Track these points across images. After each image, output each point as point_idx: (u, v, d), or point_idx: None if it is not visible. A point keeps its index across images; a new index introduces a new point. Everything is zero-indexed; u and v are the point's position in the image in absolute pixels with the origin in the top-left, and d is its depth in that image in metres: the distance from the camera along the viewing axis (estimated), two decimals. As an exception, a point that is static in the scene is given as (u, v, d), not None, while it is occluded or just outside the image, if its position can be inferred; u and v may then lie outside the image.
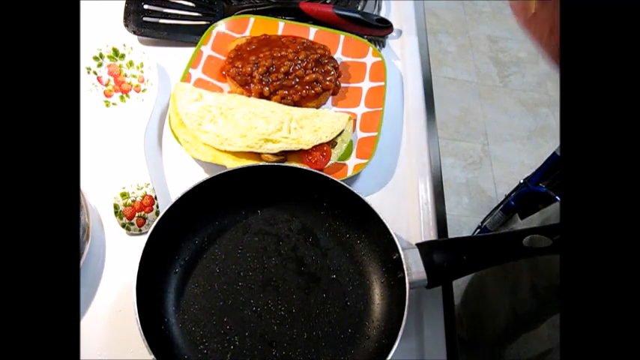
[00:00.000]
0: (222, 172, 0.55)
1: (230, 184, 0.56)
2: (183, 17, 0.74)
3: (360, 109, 0.68)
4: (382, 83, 0.69)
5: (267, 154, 0.61)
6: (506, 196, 1.43)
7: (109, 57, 0.66)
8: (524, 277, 0.96)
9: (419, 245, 0.52)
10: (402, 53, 0.76)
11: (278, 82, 0.66)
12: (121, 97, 0.65)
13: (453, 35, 2.01)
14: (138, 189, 0.58)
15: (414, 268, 0.51)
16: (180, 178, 0.62)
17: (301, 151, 0.62)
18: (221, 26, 0.72)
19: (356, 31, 0.74)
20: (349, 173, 0.61)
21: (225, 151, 0.61)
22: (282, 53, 0.67)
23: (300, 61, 0.66)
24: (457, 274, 0.54)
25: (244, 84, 0.66)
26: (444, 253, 0.53)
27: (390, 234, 0.52)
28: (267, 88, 0.66)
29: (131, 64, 0.66)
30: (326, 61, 0.68)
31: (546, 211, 0.92)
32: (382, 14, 0.79)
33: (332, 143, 0.63)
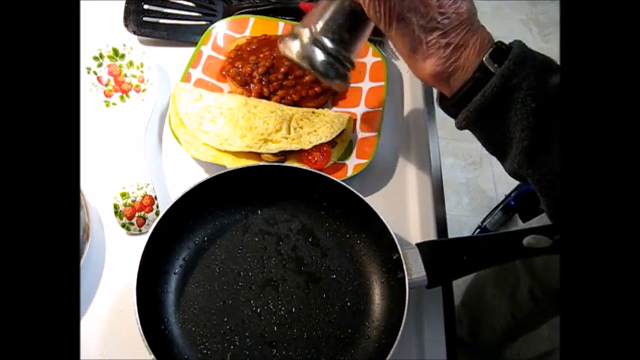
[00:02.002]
0: (222, 172, 0.55)
1: (230, 184, 0.56)
2: (183, 17, 0.74)
3: (360, 109, 0.68)
4: (382, 83, 0.68)
5: (267, 154, 0.61)
6: (506, 196, 1.43)
7: (109, 57, 0.66)
8: (521, 281, 0.96)
9: (419, 245, 0.52)
10: (402, 53, 0.76)
11: (278, 82, 0.66)
12: (121, 97, 0.65)
13: (452, 35, 2.01)
14: (138, 189, 0.58)
15: (414, 268, 0.51)
16: (180, 178, 0.62)
17: (301, 151, 0.62)
18: (221, 26, 0.72)
19: (356, 31, 0.74)
20: (349, 173, 0.61)
21: (225, 151, 0.61)
22: (282, 53, 0.67)
23: (300, 61, 0.66)
24: (457, 275, 0.54)
25: (244, 84, 0.66)
26: (444, 253, 0.53)
27: (390, 234, 0.52)
28: (266, 89, 0.66)
29: (131, 64, 0.66)
30: (326, 61, 0.68)
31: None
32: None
33: (332, 143, 0.63)
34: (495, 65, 0.43)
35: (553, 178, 0.43)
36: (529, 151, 0.43)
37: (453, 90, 0.46)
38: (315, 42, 0.49)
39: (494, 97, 0.43)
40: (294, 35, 0.50)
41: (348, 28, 0.49)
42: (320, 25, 0.49)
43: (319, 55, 0.49)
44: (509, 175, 0.48)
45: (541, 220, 0.92)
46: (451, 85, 0.46)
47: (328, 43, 0.49)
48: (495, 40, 0.46)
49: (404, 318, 0.48)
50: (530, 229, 0.52)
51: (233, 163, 0.60)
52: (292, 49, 0.49)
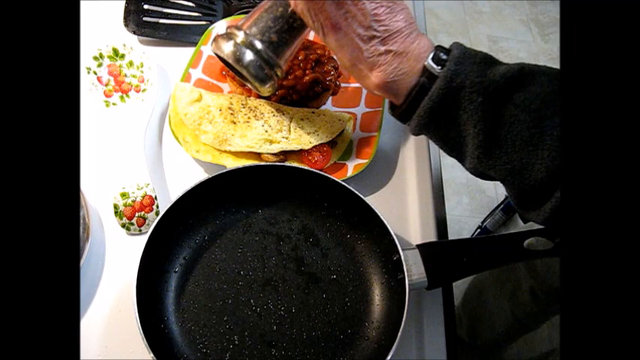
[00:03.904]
0: (222, 171, 0.55)
1: (230, 184, 0.56)
2: (183, 17, 0.74)
3: (360, 109, 0.68)
4: (382, 83, 0.68)
5: (267, 154, 0.61)
6: (507, 196, 1.43)
7: (109, 57, 0.66)
8: (522, 281, 0.96)
9: (419, 246, 0.52)
10: (402, 53, 0.76)
11: (278, 82, 0.66)
12: (121, 97, 0.65)
13: (453, 35, 2.01)
14: (138, 189, 0.58)
15: (414, 269, 0.51)
16: (180, 178, 0.62)
17: (301, 151, 0.62)
18: (221, 26, 0.72)
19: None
20: (349, 173, 0.61)
21: (225, 151, 0.61)
22: (282, 53, 0.67)
23: (299, 61, 0.66)
24: (457, 276, 0.54)
25: (244, 84, 0.66)
26: (444, 255, 0.53)
27: (391, 235, 0.52)
28: (267, 88, 0.66)
29: (131, 64, 0.66)
30: (325, 61, 0.68)
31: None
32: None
33: (332, 143, 0.63)
34: (439, 68, 0.44)
35: (513, 166, 0.44)
36: (485, 144, 0.44)
37: (401, 97, 0.47)
38: (248, 44, 0.50)
39: (441, 99, 0.44)
40: (228, 36, 0.51)
41: (281, 32, 0.51)
42: (254, 28, 0.51)
43: (249, 56, 0.50)
44: (472, 174, 0.48)
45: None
46: (398, 93, 0.47)
47: (259, 46, 0.51)
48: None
49: (403, 319, 0.48)
50: (531, 232, 0.52)
51: (233, 163, 0.60)
52: (224, 49, 0.51)
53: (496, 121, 0.43)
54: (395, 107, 0.49)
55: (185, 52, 0.70)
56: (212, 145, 0.61)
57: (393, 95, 0.47)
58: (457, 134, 0.45)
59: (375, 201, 0.54)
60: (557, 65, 0.45)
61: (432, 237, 0.60)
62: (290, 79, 0.66)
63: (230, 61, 0.51)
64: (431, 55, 0.45)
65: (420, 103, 0.45)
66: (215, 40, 0.52)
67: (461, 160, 0.48)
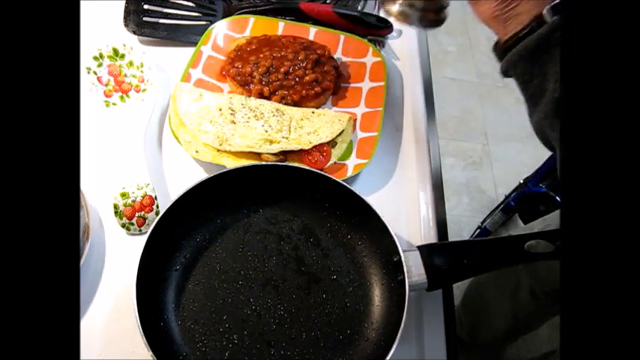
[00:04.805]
0: (222, 171, 0.55)
1: (230, 184, 0.56)
2: (183, 17, 0.74)
3: (360, 109, 0.68)
4: (382, 83, 0.68)
5: (267, 154, 0.61)
6: (506, 197, 1.43)
7: (109, 57, 0.66)
8: (523, 281, 0.96)
9: (420, 248, 0.52)
10: (402, 53, 0.76)
11: (278, 82, 0.66)
12: (121, 97, 0.65)
13: (452, 35, 2.01)
14: (138, 189, 0.58)
15: (414, 270, 0.51)
16: (180, 178, 0.62)
17: (301, 151, 0.62)
18: (221, 26, 0.72)
19: (356, 31, 0.74)
20: (349, 173, 0.61)
21: (225, 151, 0.61)
22: (282, 53, 0.67)
23: (299, 61, 0.66)
24: (458, 278, 0.54)
25: (244, 84, 0.66)
26: (444, 257, 0.53)
27: (391, 235, 0.52)
28: (267, 88, 0.66)
29: (131, 64, 0.66)
30: (325, 61, 0.68)
31: (548, 218, 0.92)
32: (382, 14, 0.79)
33: (332, 143, 0.63)
34: (554, 18, 0.44)
35: None
36: (559, 102, 0.43)
37: (508, 34, 0.47)
38: (410, 3, 0.58)
39: (539, 42, 0.44)
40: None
41: None
42: None
43: (414, 13, 0.58)
44: (534, 129, 0.48)
45: (542, 222, 0.92)
46: (507, 29, 0.47)
47: (418, 3, 0.58)
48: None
49: (403, 321, 0.48)
50: (531, 234, 0.52)
51: (233, 163, 0.60)
52: (391, 9, 0.59)
53: None
54: (498, 43, 0.50)
55: (185, 52, 0.70)
56: (212, 145, 0.61)
57: (502, 29, 0.48)
58: (539, 83, 0.45)
59: (375, 201, 0.54)
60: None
61: (432, 238, 0.60)
62: (290, 79, 0.66)
63: (399, 21, 0.59)
64: (553, 3, 0.44)
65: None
66: (383, 3, 0.61)
67: (530, 110, 0.48)
